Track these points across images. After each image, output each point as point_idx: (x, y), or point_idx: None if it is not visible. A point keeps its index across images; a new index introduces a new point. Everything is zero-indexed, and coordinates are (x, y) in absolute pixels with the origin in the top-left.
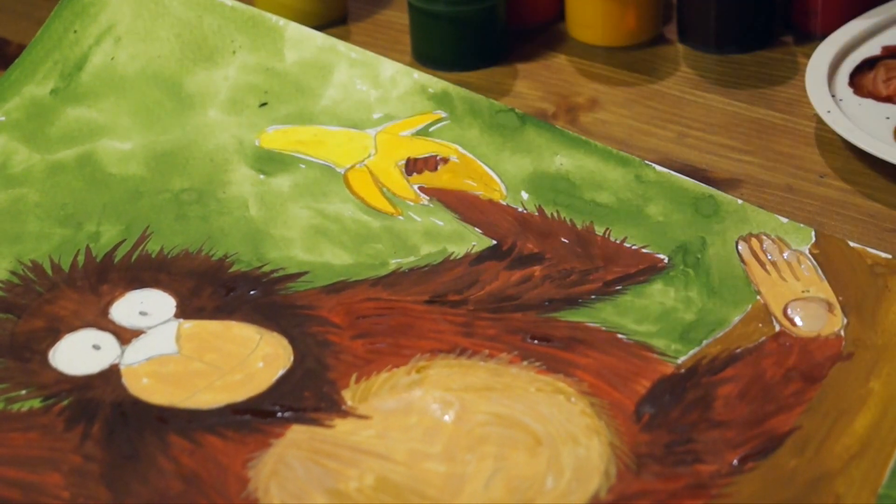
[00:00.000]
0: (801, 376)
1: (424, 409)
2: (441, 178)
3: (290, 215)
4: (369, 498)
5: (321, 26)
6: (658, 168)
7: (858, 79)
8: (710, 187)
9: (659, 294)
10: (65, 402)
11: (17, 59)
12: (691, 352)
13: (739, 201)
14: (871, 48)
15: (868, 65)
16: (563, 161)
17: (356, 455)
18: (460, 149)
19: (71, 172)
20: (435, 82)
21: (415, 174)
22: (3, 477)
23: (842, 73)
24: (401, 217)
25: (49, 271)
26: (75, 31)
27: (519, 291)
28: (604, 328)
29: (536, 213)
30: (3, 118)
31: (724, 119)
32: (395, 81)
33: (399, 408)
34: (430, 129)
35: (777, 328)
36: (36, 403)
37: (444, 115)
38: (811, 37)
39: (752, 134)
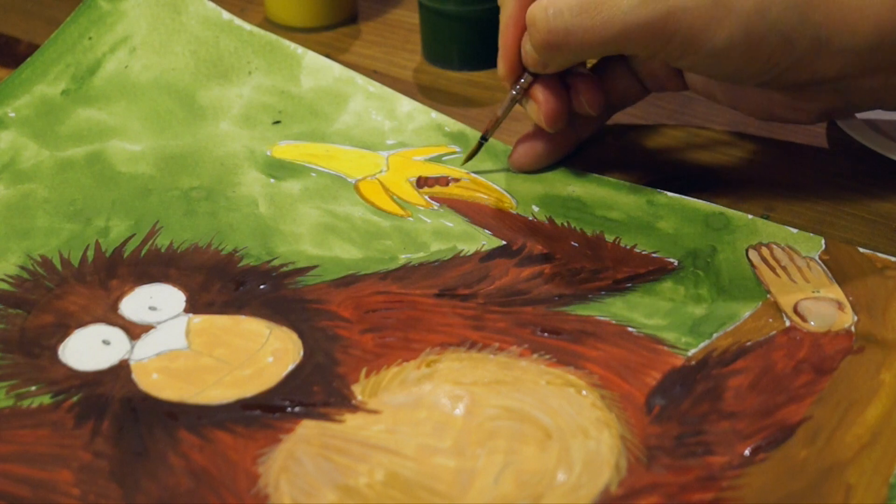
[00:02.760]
0: (811, 368)
1: (434, 404)
2: (452, 191)
3: (300, 213)
4: (379, 493)
5: (331, 26)
6: (669, 194)
7: None
8: (721, 206)
9: (669, 291)
10: (74, 399)
11: (29, 59)
12: (701, 344)
13: (749, 216)
14: None
15: None
16: (575, 188)
17: (366, 450)
18: (472, 173)
19: (80, 169)
20: (452, 123)
21: (426, 188)
22: (13, 474)
23: None
24: (410, 218)
25: (58, 266)
26: (90, 38)
27: (528, 287)
28: (613, 321)
29: (546, 222)
30: (13, 114)
31: (734, 119)
32: (411, 117)
33: (409, 402)
34: (443, 159)
35: (787, 323)
36: (46, 399)
37: (458, 149)
38: None
39: (762, 134)
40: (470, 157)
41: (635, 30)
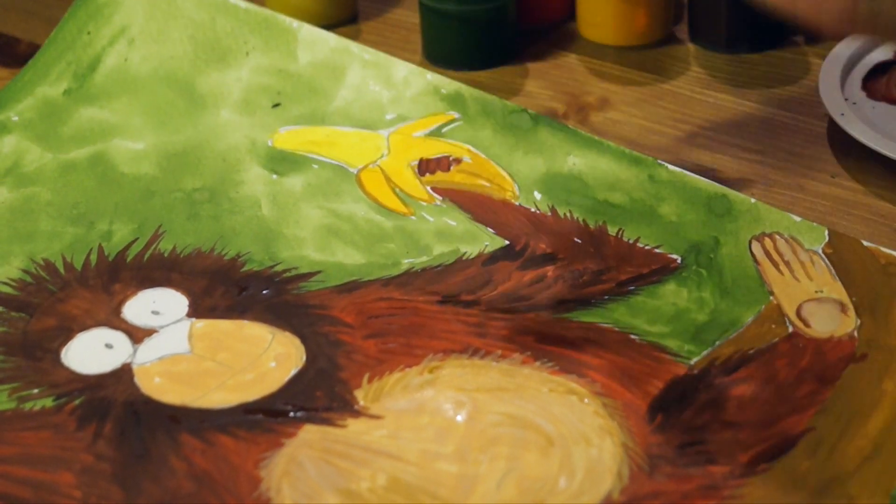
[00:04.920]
0: (814, 377)
1: (437, 410)
2: (454, 178)
3: (303, 215)
4: (381, 498)
5: (331, 26)
6: (671, 167)
7: (871, 83)
8: (723, 186)
9: (672, 295)
10: (77, 401)
11: (31, 60)
12: (704, 353)
13: (752, 200)
14: (884, 52)
15: (881, 69)
16: (576, 161)
17: (368, 455)
18: (473, 149)
19: (83, 172)
20: (448, 83)
21: (427, 174)
22: (15, 475)
23: (854, 77)
24: (413, 217)
25: (62, 270)
26: (89, 33)
27: (531, 292)
28: (616, 329)
29: (549, 214)
30: (15, 118)
31: (735, 118)
32: (407, 82)
33: (411, 408)
34: (443, 130)
35: (790, 329)
36: (48, 402)
37: (456, 115)
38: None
39: (762, 134)
40: None
41: None
